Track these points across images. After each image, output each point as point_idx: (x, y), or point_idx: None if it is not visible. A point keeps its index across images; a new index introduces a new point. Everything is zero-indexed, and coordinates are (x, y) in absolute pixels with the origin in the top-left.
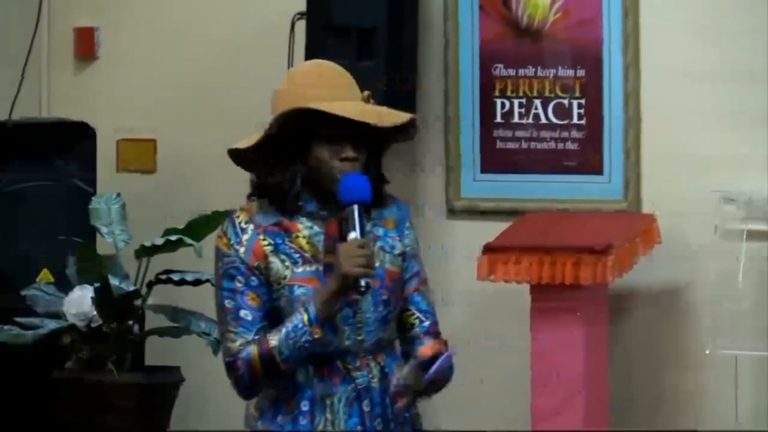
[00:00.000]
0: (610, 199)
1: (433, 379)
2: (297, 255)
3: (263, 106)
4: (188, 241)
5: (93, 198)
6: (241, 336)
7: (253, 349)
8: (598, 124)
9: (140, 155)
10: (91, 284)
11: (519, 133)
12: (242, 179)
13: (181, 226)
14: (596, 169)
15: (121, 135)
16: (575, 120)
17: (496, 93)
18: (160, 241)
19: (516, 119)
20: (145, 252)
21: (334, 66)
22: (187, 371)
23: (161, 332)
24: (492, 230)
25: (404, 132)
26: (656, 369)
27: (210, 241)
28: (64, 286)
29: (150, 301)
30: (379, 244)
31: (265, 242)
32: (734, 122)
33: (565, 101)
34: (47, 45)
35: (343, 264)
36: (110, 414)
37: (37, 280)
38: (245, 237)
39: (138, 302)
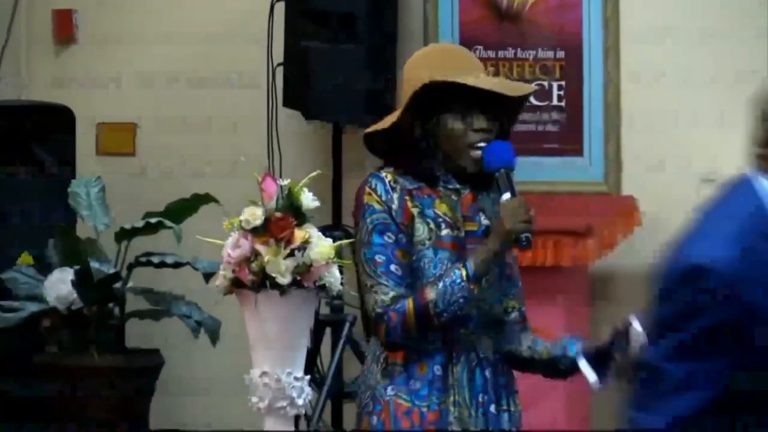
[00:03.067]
0: (590, 182)
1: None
2: (440, 219)
3: (242, 88)
4: (168, 223)
5: (73, 181)
6: (394, 289)
7: (408, 302)
8: (578, 106)
9: (120, 138)
10: (72, 267)
11: None
12: (221, 162)
13: (160, 209)
14: (576, 151)
15: (101, 118)
16: (555, 102)
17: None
18: (140, 224)
19: None
20: (125, 235)
21: (457, 45)
22: (167, 354)
23: (141, 315)
24: None
25: (523, 104)
26: None
27: (189, 225)
28: (45, 269)
29: (130, 284)
30: (495, 219)
31: (412, 203)
32: (718, 105)
33: (545, 83)
34: (26, 28)
35: (507, 221)
36: (91, 397)
37: (18, 263)
38: (395, 195)
39: (118, 285)
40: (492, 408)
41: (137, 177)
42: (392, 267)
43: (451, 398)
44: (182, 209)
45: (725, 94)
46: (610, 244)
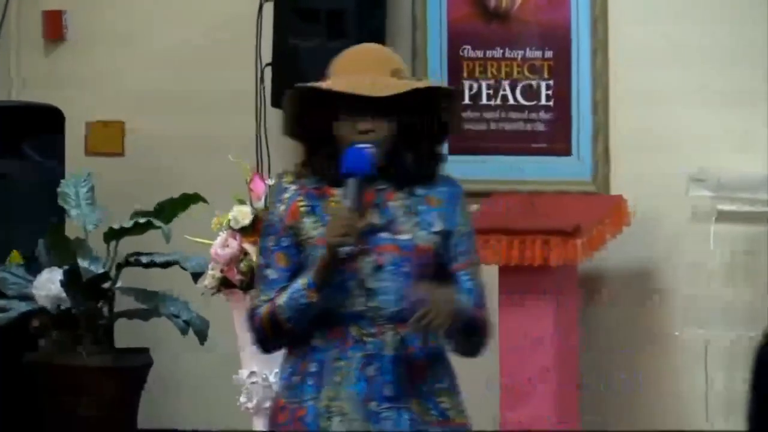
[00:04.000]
0: (578, 181)
1: (468, 316)
2: (326, 218)
3: (232, 88)
4: (157, 223)
5: (62, 181)
6: (264, 293)
7: (265, 307)
8: (567, 105)
9: (109, 138)
10: (61, 267)
11: (487, 115)
12: (209, 162)
13: (149, 209)
14: (565, 150)
15: (90, 118)
16: (543, 101)
17: (465, 74)
18: (129, 224)
19: (484, 101)
20: (114, 234)
21: (369, 45)
22: (156, 353)
23: (130, 314)
24: None
25: (445, 106)
26: (627, 350)
27: (178, 224)
28: (34, 268)
29: (119, 283)
30: (416, 219)
31: (302, 203)
32: (703, 103)
33: (534, 83)
34: (16, 28)
35: (327, 232)
36: (80, 396)
37: (7, 262)
38: (286, 196)
39: (107, 284)
40: (373, 405)
41: (126, 176)
42: (267, 271)
43: (327, 394)
44: (171, 209)
45: (717, 92)
46: (598, 243)
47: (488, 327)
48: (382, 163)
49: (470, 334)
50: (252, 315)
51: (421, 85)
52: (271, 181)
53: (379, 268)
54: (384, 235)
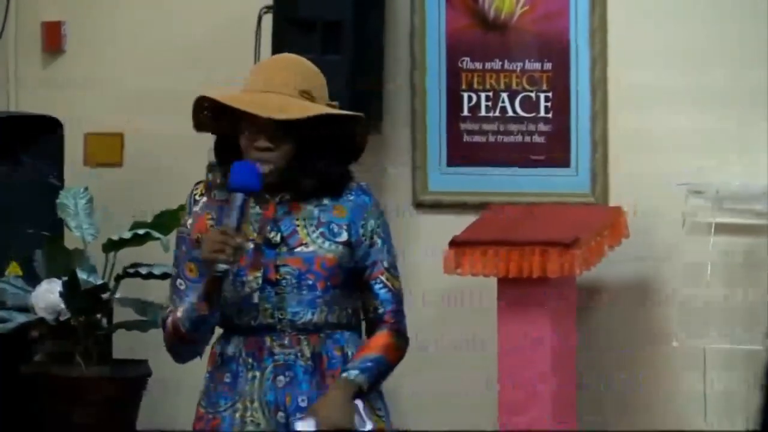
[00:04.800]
0: (577, 193)
1: (379, 376)
2: None
3: None
4: (156, 234)
5: (60, 192)
6: (173, 304)
7: (168, 317)
8: (565, 117)
9: (107, 149)
10: (59, 278)
11: (486, 127)
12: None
13: (148, 220)
14: (563, 162)
15: (89, 129)
16: (542, 113)
17: (463, 86)
18: (127, 235)
19: (483, 112)
20: (112, 246)
21: (286, 58)
22: (154, 365)
23: (129, 326)
24: (459, 224)
25: (354, 126)
26: (625, 362)
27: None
28: (33, 279)
29: (118, 294)
30: (320, 230)
31: (209, 216)
32: (703, 116)
33: (532, 94)
34: (14, 39)
35: (203, 247)
36: (78, 407)
37: (6, 273)
38: (196, 208)
39: (106, 296)
40: (281, 416)
41: (125, 187)
42: (177, 282)
43: (241, 405)
44: (170, 220)
45: (714, 105)
46: (597, 255)
47: (401, 349)
48: (276, 179)
49: (388, 373)
50: (163, 325)
51: (329, 111)
52: None
53: (280, 281)
54: (285, 248)
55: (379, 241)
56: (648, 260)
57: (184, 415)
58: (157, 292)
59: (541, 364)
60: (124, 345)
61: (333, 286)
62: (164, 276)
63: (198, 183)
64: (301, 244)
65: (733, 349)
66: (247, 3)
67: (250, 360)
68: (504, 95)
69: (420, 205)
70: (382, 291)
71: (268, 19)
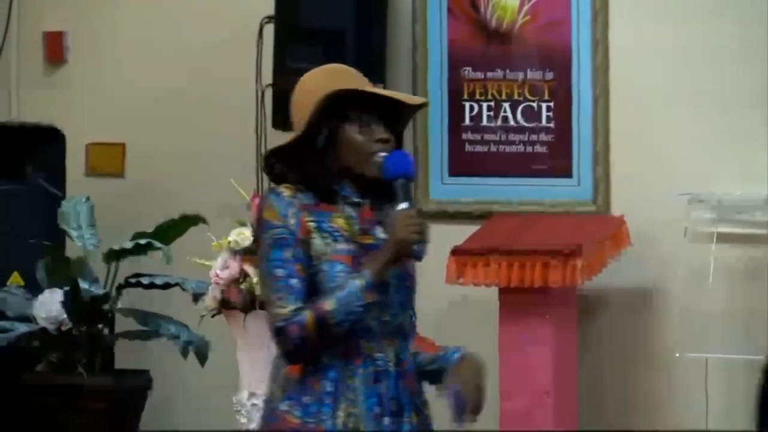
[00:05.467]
0: (579, 202)
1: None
2: (337, 233)
3: (231, 109)
4: (157, 244)
5: (62, 202)
6: (293, 302)
7: (307, 313)
8: (567, 127)
9: (109, 159)
10: (61, 287)
11: (488, 136)
12: (210, 183)
13: (149, 230)
14: (565, 171)
15: (90, 139)
16: (544, 123)
17: (465, 96)
18: (129, 245)
19: (485, 122)
20: (114, 256)
21: (342, 65)
22: (156, 374)
23: (131, 336)
24: (461, 233)
25: (412, 115)
26: (626, 372)
27: (178, 245)
28: (35, 289)
29: (119, 304)
30: None
31: (309, 219)
32: (704, 126)
33: (534, 104)
34: (16, 49)
35: (400, 231)
36: (80, 417)
37: (8, 283)
38: (291, 210)
39: (107, 306)
40: (387, 421)
41: (126, 197)
42: (291, 281)
43: (343, 412)
44: (171, 230)
45: (715, 115)
46: (599, 265)
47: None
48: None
49: None
50: (285, 325)
51: (423, 99)
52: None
53: (386, 282)
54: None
55: None
56: (650, 270)
57: (185, 422)
58: (158, 302)
59: (542, 373)
60: (125, 355)
61: (414, 290)
62: (166, 286)
63: (274, 188)
64: None
65: (734, 359)
66: (249, 12)
67: (349, 366)
68: (506, 105)
69: (421, 215)
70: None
71: (269, 29)
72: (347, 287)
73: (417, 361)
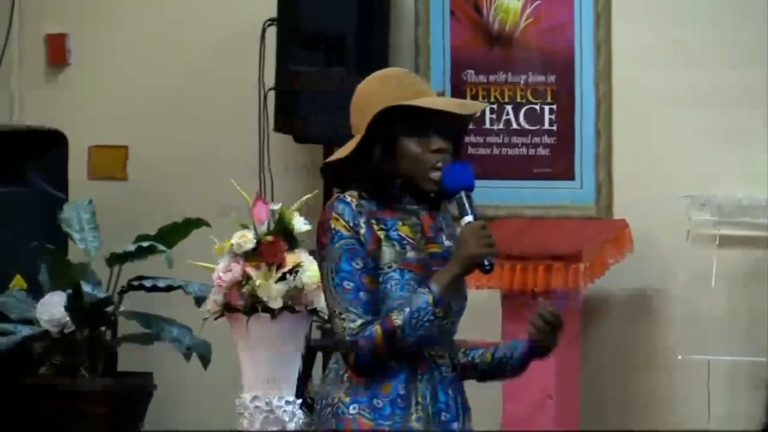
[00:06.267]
0: (581, 205)
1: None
2: (405, 241)
3: (234, 111)
4: (160, 247)
5: (65, 205)
6: (362, 317)
7: (377, 328)
8: (570, 129)
9: (112, 162)
10: (63, 291)
11: (490, 139)
12: (212, 186)
13: (152, 233)
14: (568, 175)
15: (93, 142)
16: (547, 126)
17: (467, 99)
18: (131, 248)
19: (487, 125)
20: (116, 259)
21: (404, 70)
22: (159, 377)
23: (133, 339)
24: None
25: (470, 122)
26: (628, 374)
27: (181, 248)
28: (37, 292)
29: (122, 307)
30: (454, 238)
31: (378, 227)
32: (706, 129)
33: (537, 107)
34: (18, 52)
35: (471, 244)
36: (82, 420)
37: (10, 286)
38: (362, 220)
39: (110, 309)
40: (455, 426)
41: (129, 200)
42: (360, 294)
43: (414, 416)
44: (173, 233)
45: (718, 117)
46: (601, 268)
47: None
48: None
49: None
50: (354, 339)
51: (485, 105)
52: (275, 206)
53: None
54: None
55: None
56: (651, 272)
57: (187, 425)
58: (161, 305)
59: (544, 376)
60: (128, 358)
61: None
62: (168, 288)
63: (341, 195)
64: (446, 251)
65: (736, 361)
66: (251, 16)
67: (415, 371)
68: (508, 107)
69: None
70: None
71: (272, 32)
72: (417, 302)
73: (472, 355)
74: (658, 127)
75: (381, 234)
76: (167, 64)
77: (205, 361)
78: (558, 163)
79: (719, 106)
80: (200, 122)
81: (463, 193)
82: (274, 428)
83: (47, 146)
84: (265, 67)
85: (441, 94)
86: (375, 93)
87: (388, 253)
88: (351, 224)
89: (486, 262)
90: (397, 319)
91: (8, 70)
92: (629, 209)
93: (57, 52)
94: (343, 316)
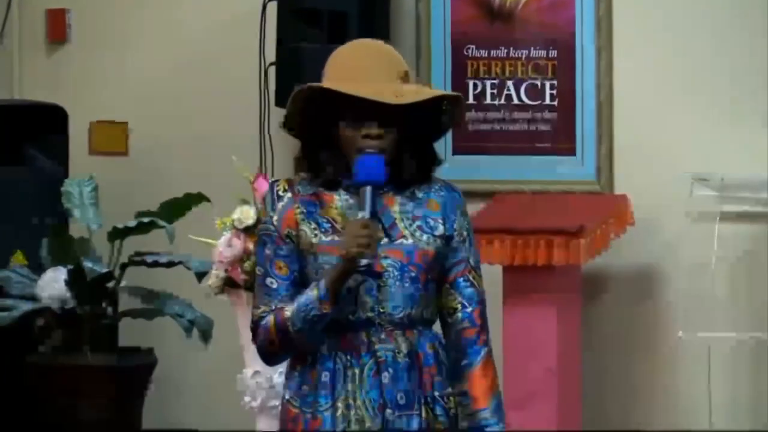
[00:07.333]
0: (582, 181)
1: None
2: (327, 224)
3: (235, 88)
4: (161, 223)
5: (65, 181)
6: (264, 304)
7: (270, 318)
8: (571, 105)
9: (112, 138)
10: (65, 266)
11: (491, 115)
12: (212, 162)
13: (153, 209)
14: (569, 150)
15: (93, 118)
16: (548, 101)
17: (469, 74)
18: (132, 224)
19: (488, 100)
20: (117, 234)
21: (375, 45)
22: (160, 353)
23: (135, 314)
24: None
25: (447, 111)
26: (629, 351)
27: (181, 224)
28: (38, 268)
29: (123, 283)
30: (417, 223)
31: (298, 210)
32: (706, 104)
33: (538, 82)
34: (18, 27)
35: (347, 242)
36: (84, 396)
37: (11, 262)
38: (280, 204)
39: (111, 284)
40: (389, 413)
41: (130, 176)
42: (268, 281)
43: (342, 403)
44: (174, 209)
45: (719, 93)
46: (602, 243)
47: (490, 353)
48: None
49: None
50: (256, 327)
51: (437, 93)
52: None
53: (383, 273)
54: (387, 240)
55: (468, 239)
56: (653, 248)
57: (189, 401)
58: (162, 280)
59: (546, 352)
60: (129, 333)
61: (431, 280)
62: (170, 264)
63: (275, 180)
64: (402, 237)
65: (738, 339)
66: None
67: (348, 357)
68: (509, 83)
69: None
70: (469, 289)
71: (272, 7)
72: (305, 295)
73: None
74: (660, 103)
75: (299, 216)
76: (167, 40)
77: (207, 336)
78: (559, 139)
79: (720, 82)
80: (201, 97)
81: (368, 188)
82: (275, 403)
83: (48, 122)
84: (265, 44)
85: (404, 77)
86: (330, 67)
87: (305, 236)
88: (268, 209)
89: (362, 262)
90: (287, 311)
91: (8, 46)
92: (630, 185)
93: (57, 27)
94: (253, 302)
